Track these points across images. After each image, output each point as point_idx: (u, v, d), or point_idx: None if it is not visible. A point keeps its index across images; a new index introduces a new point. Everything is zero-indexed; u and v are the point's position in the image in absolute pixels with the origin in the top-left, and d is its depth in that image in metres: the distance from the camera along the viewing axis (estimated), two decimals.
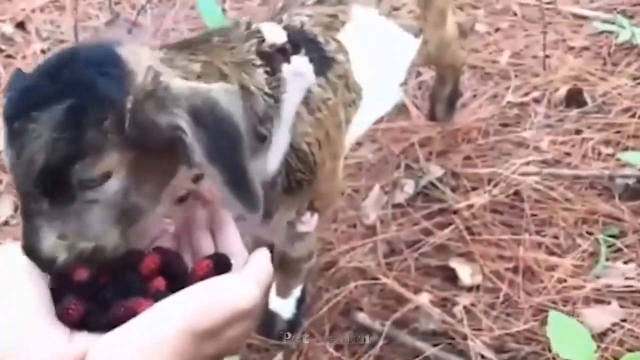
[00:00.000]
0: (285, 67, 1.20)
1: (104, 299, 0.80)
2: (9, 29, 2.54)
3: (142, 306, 0.76)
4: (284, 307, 1.66)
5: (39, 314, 0.75)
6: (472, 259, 1.78)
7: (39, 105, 0.83)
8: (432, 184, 1.99)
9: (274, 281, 1.59)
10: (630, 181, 1.93)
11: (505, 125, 2.18)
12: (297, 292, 1.66)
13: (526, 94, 2.27)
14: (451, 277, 1.76)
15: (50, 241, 0.85)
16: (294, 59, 1.23)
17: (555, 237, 1.82)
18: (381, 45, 1.52)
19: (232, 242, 0.87)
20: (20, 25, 2.55)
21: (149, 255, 0.85)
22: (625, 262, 1.73)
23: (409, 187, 2.00)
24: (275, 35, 1.24)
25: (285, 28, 1.29)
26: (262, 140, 1.16)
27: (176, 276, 0.84)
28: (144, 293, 0.80)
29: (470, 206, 1.91)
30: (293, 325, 1.67)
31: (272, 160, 1.20)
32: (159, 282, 0.82)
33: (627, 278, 1.70)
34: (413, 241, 1.85)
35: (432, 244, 1.83)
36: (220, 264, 0.82)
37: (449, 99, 2.16)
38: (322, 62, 1.31)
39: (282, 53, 1.23)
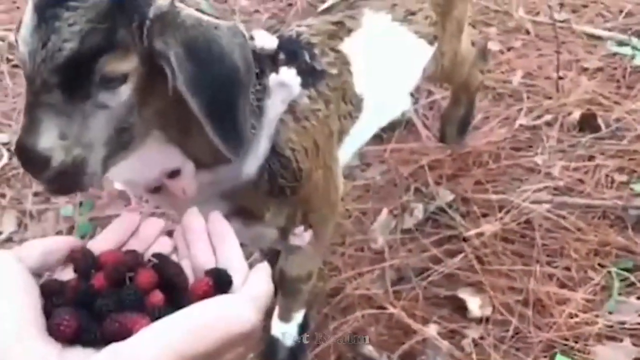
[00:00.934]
0: (272, 77, 1.18)
1: (98, 309, 0.75)
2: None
3: (137, 325, 0.72)
4: (287, 334, 1.62)
5: (28, 328, 0.70)
6: (481, 289, 1.75)
7: None
8: (442, 209, 1.96)
9: (276, 303, 1.58)
10: None
11: (516, 149, 2.15)
12: (299, 317, 1.62)
13: (538, 117, 2.24)
14: (460, 307, 1.72)
15: (50, 138, 0.86)
16: (282, 69, 1.20)
17: (567, 269, 1.78)
18: (392, 52, 1.50)
19: (233, 256, 0.82)
20: None
21: (147, 268, 0.81)
22: (639, 298, 1.70)
23: (418, 211, 1.96)
24: (265, 40, 1.22)
25: (279, 37, 1.28)
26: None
27: (175, 289, 0.80)
28: (140, 307, 0.76)
29: (480, 234, 1.87)
30: (296, 354, 1.63)
31: (250, 163, 1.19)
32: (157, 297, 0.77)
33: None
34: (422, 269, 1.82)
35: (441, 272, 1.80)
36: (221, 281, 0.78)
37: (462, 122, 2.12)
38: (313, 74, 1.30)
39: (272, 61, 1.22)
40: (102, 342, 0.71)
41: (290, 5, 2.77)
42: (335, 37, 1.39)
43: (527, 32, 2.62)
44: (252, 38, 1.20)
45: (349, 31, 1.42)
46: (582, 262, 1.79)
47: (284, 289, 1.56)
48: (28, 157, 0.87)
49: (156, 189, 1.11)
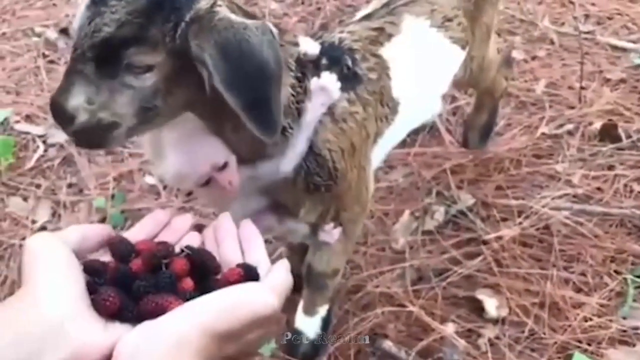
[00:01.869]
0: (314, 80, 1.26)
1: (137, 292, 0.83)
2: (52, 34, 2.59)
3: (171, 304, 0.80)
4: (310, 326, 1.68)
5: (78, 299, 0.78)
6: (498, 291, 1.80)
7: None
8: (463, 212, 2.01)
9: (302, 297, 1.64)
10: None
11: (538, 156, 2.19)
12: (323, 311, 1.68)
13: (560, 126, 2.28)
14: (477, 308, 1.78)
15: (78, 100, 1.00)
16: (324, 74, 1.28)
17: (583, 274, 1.83)
18: (428, 57, 1.56)
19: (260, 256, 0.91)
20: (64, 31, 2.61)
21: (181, 257, 0.88)
22: None
23: (439, 214, 2.02)
24: (308, 46, 1.29)
25: (322, 43, 1.35)
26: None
27: (205, 278, 0.88)
28: (174, 291, 0.83)
29: (499, 238, 1.92)
30: (317, 347, 1.69)
31: (287, 161, 1.27)
32: (188, 284, 0.85)
33: None
34: (441, 270, 1.87)
35: (459, 273, 1.85)
36: (250, 274, 0.87)
37: (485, 128, 2.17)
38: (353, 79, 1.37)
39: (315, 66, 1.29)
40: (138, 320, 0.78)
41: (319, 9, 2.83)
42: (376, 43, 1.46)
43: (552, 42, 2.66)
44: (296, 44, 1.28)
45: (389, 36, 1.49)
46: (598, 268, 1.84)
47: (310, 283, 1.62)
48: (58, 112, 1.01)
49: (206, 182, 1.18)
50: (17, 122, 2.29)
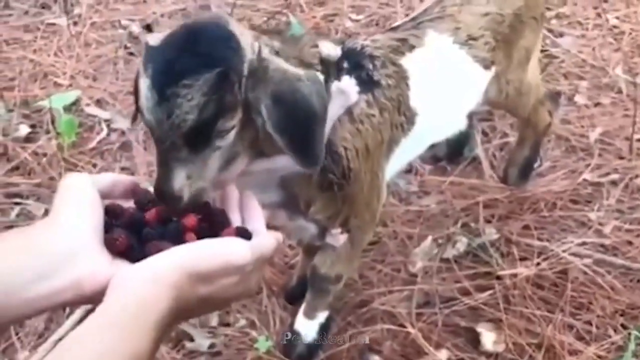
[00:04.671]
0: (335, 83, 1.34)
1: (145, 237, 0.95)
2: (136, 29, 2.77)
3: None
4: (308, 330, 1.76)
5: (93, 233, 0.91)
6: (499, 327, 1.82)
7: (190, 74, 1.03)
8: (484, 246, 2.03)
9: (305, 300, 1.71)
10: None
11: (574, 202, 2.18)
12: (322, 317, 1.76)
13: (605, 175, 2.26)
14: (475, 340, 1.80)
15: (181, 181, 1.06)
16: (344, 78, 1.37)
17: (589, 322, 1.82)
18: (449, 73, 1.61)
19: (257, 221, 1.02)
20: (148, 27, 2.79)
21: (192, 214, 1.00)
22: None
23: (461, 244, 2.05)
24: (330, 49, 1.37)
25: (345, 48, 1.43)
26: None
27: (215, 228, 0.99)
28: (177, 241, 0.94)
29: (514, 275, 1.93)
30: (312, 351, 1.76)
31: None
32: (191, 237, 0.97)
33: None
34: (449, 298, 1.90)
35: (466, 304, 1.88)
36: (244, 235, 0.97)
37: (525, 164, 2.18)
38: (372, 83, 1.45)
39: (336, 69, 1.37)
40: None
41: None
42: (398, 52, 1.53)
43: (619, 91, 2.62)
44: (316, 46, 1.35)
45: (411, 47, 1.55)
46: (606, 319, 1.82)
47: (313, 285, 1.70)
48: (166, 198, 1.06)
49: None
50: (88, 105, 2.47)
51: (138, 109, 1.10)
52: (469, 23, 1.63)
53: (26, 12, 2.95)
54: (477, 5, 1.67)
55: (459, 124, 1.76)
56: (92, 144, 2.36)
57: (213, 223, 1.00)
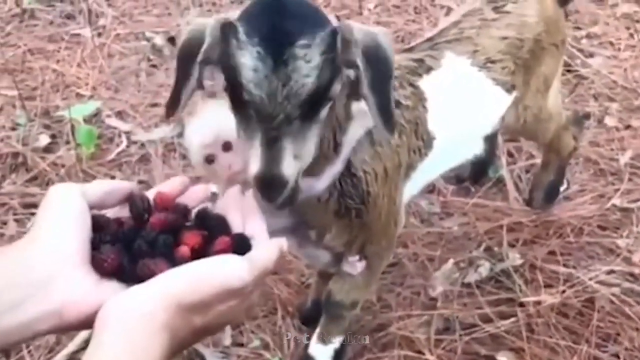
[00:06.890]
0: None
1: (137, 252, 0.88)
2: (160, 41, 2.76)
3: (161, 271, 0.84)
4: (322, 355, 1.70)
5: (76, 254, 0.83)
6: (522, 357, 1.75)
7: (306, 34, 0.97)
8: (507, 271, 1.96)
9: (319, 324, 1.65)
10: None
11: (602, 227, 2.11)
12: (337, 343, 1.70)
13: (635, 200, 2.18)
14: None
15: (290, 162, 0.99)
16: None
17: (616, 355, 1.75)
18: (467, 96, 1.56)
19: (257, 227, 0.95)
20: (171, 40, 2.77)
21: (194, 232, 0.92)
22: None
23: (484, 269, 1.98)
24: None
25: None
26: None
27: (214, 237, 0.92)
28: (169, 256, 0.88)
29: (538, 303, 1.87)
30: None
31: (322, 180, 1.28)
32: (184, 250, 0.89)
33: None
34: (469, 324, 1.84)
35: (487, 331, 1.81)
36: (241, 244, 0.91)
37: (550, 188, 2.12)
38: None
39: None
40: (133, 280, 0.84)
41: None
42: (415, 73, 1.48)
43: None
44: None
45: (429, 69, 1.50)
46: (634, 352, 1.75)
47: (328, 311, 1.65)
48: (272, 184, 0.99)
49: (209, 160, 1.19)
50: (108, 116, 2.45)
51: (234, 95, 1.01)
52: (487, 46, 1.59)
53: (51, 23, 2.96)
54: (495, 29, 1.62)
55: (476, 149, 1.70)
56: (111, 156, 2.34)
57: (210, 230, 0.93)
